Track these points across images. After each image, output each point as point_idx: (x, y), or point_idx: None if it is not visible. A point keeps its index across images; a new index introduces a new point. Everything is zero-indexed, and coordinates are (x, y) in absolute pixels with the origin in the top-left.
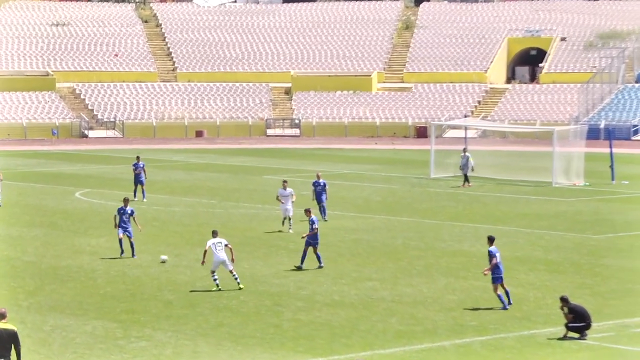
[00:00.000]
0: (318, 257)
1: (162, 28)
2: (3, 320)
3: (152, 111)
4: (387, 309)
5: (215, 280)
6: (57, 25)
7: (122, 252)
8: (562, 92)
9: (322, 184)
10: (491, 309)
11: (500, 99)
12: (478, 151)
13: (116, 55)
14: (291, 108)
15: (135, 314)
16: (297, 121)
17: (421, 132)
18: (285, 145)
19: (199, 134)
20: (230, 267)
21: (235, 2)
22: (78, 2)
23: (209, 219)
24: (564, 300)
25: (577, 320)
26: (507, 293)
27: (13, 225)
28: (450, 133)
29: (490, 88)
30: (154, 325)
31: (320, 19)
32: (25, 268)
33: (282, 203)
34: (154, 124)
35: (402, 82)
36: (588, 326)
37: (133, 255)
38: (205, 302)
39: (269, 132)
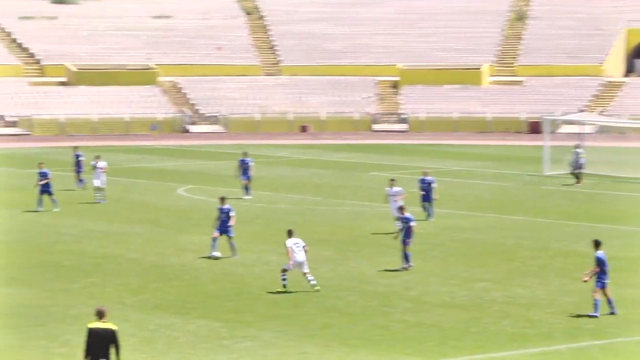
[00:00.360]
0: (407, 257)
1: (265, 20)
2: (103, 319)
3: (255, 105)
4: (500, 311)
5: (284, 280)
6: (159, 17)
7: (213, 252)
8: None
9: (429, 181)
10: (612, 313)
11: (617, 93)
12: (595, 148)
13: (219, 48)
14: (398, 102)
15: (240, 314)
16: (404, 116)
17: (534, 128)
18: (392, 141)
19: (303, 128)
20: (306, 269)
21: None
22: None
23: (314, 217)
24: None
25: None
26: (609, 301)
27: (116, 221)
28: (565, 128)
29: (607, 82)
30: (259, 325)
31: (429, 10)
32: (128, 266)
33: (394, 202)
34: (258, 118)
35: (514, 75)
36: None
37: (233, 254)
38: (312, 302)
39: (375, 127)
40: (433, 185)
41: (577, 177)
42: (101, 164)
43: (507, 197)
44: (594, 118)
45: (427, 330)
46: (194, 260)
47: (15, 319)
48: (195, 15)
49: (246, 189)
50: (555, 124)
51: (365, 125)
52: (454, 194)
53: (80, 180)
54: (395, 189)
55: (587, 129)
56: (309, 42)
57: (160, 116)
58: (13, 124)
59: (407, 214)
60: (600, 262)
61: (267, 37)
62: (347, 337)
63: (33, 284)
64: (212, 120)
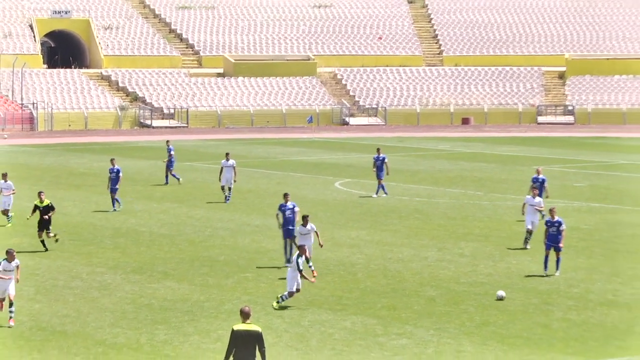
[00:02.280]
0: (557, 262)
1: (428, 9)
2: (247, 321)
3: (415, 97)
4: None
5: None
6: (319, 7)
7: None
8: None
9: (540, 179)
10: None
11: None
12: None
13: (380, 38)
14: (565, 94)
15: (396, 310)
16: (570, 108)
17: None
18: (558, 134)
19: (465, 121)
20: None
21: None
22: None
23: (475, 212)
24: None
25: None
26: None
27: (272, 216)
28: None
29: None
30: (415, 322)
31: None
32: (283, 261)
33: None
34: (418, 110)
35: None
36: None
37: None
38: (470, 299)
39: (540, 119)
40: (545, 184)
41: None
42: (231, 161)
43: None
44: None
45: (590, 329)
46: (350, 255)
47: (169, 313)
48: (356, 4)
49: (381, 187)
50: None
51: (529, 117)
52: (622, 188)
53: (171, 176)
54: (536, 198)
55: None
56: (472, 31)
57: (318, 108)
58: (170, 116)
59: (557, 218)
60: None
61: (430, 27)
62: (505, 336)
63: (187, 278)
64: (371, 112)
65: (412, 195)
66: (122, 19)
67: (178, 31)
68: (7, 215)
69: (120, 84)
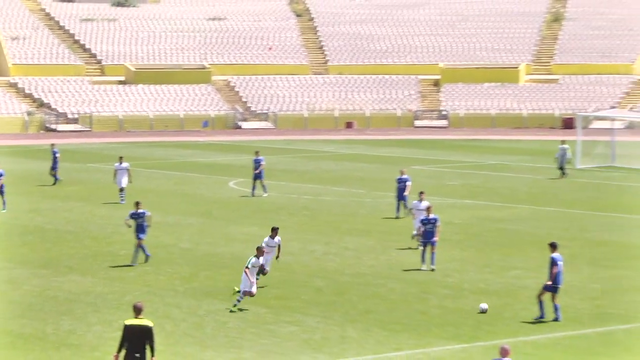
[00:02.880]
0: (433, 256)
1: (314, 22)
2: (139, 316)
3: (303, 103)
4: (531, 297)
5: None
6: (213, 19)
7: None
8: None
9: (404, 179)
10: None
11: None
12: (624, 142)
13: (270, 48)
14: (439, 100)
15: (286, 300)
16: (445, 112)
17: (567, 123)
18: (434, 137)
19: (348, 125)
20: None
21: None
22: None
23: (358, 209)
24: None
25: None
26: (556, 308)
27: (170, 213)
28: (597, 124)
29: (638, 79)
30: (304, 311)
31: (469, 11)
32: (181, 255)
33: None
34: (305, 115)
35: (550, 73)
36: None
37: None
38: (354, 289)
39: (417, 123)
40: (408, 183)
41: (563, 171)
42: (125, 164)
43: (541, 189)
44: (625, 114)
45: (463, 316)
46: (243, 249)
47: (73, 305)
48: (247, 17)
49: (263, 187)
50: (587, 119)
51: (407, 121)
52: (491, 186)
53: (55, 177)
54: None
55: (618, 125)
56: (355, 42)
57: (213, 113)
58: (74, 121)
59: (432, 215)
60: (553, 264)
61: (316, 38)
62: (387, 322)
63: (90, 272)
64: (262, 117)
65: (300, 194)
66: (29, 30)
67: (82, 42)
68: None
69: (27, 91)
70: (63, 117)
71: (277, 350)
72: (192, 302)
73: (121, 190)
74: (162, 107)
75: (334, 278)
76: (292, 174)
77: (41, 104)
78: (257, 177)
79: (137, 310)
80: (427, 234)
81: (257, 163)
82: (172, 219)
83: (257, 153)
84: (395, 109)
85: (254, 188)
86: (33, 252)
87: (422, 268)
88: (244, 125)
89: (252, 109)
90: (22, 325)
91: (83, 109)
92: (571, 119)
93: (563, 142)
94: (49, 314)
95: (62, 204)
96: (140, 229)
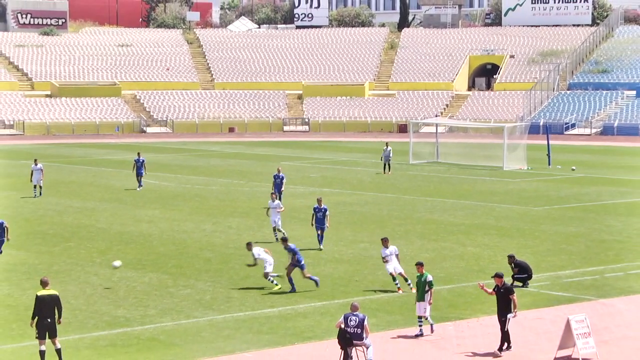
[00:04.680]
0: (321, 238)
1: (203, 48)
2: (47, 287)
3: (195, 112)
4: (375, 265)
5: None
6: (122, 46)
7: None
8: (511, 97)
9: (281, 176)
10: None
11: (463, 102)
12: (446, 143)
13: (168, 69)
14: (302, 110)
15: (182, 268)
16: (307, 120)
17: (402, 128)
18: (298, 139)
19: (231, 129)
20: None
21: (259, 28)
22: (138, 28)
23: (239, 195)
24: (511, 257)
25: (521, 273)
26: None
27: (89, 200)
28: (425, 129)
29: (456, 94)
30: (196, 277)
31: (325, 40)
32: (97, 233)
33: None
34: (197, 122)
35: (388, 89)
36: (530, 277)
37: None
38: (236, 259)
39: (285, 128)
40: (284, 180)
41: (389, 167)
42: (39, 165)
43: (382, 180)
44: (446, 121)
45: (323, 280)
46: (148, 228)
47: (10, 274)
48: (149, 44)
49: (139, 182)
50: (417, 125)
51: (277, 127)
52: (342, 178)
53: None
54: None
55: (441, 129)
56: (235, 64)
57: (123, 120)
58: (10, 126)
59: (323, 205)
60: (293, 252)
61: (205, 61)
62: (262, 285)
63: (24, 247)
64: (162, 123)
65: (192, 184)
66: None
67: (15, 63)
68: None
69: None
70: (1, 123)
71: (176, 309)
72: (107, 271)
73: (35, 187)
74: (81, 115)
75: (220, 251)
76: (186, 168)
77: None
78: (139, 173)
79: (44, 283)
80: (318, 220)
81: (138, 162)
82: (90, 204)
83: (138, 154)
84: (267, 117)
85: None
86: None
87: (320, 248)
88: (148, 129)
89: (154, 117)
90: None
91: (17, 117)
92: (405, 125)
93: (387, 144)
94: None
95: (2, 193)
96: None
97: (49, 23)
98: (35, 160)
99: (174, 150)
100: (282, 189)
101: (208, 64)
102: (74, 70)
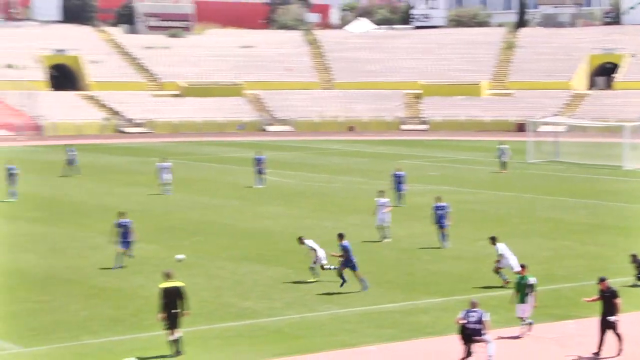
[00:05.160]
0: (445, 236)
1: (322, 49)
2: (170, 279)
3: (315, 111)
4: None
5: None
6: (245, 47)
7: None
8: (631, 96)
9: (401, 175)
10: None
11: (582, 101)
12: (565, 142)
13: (289, 69)
14: (420, 109)
15: (304, 263)
16: (425, 119)
17: (520, 127)
18: (416, 137)
19: (350, 128)
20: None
21: (378, 28)
22: (261, 30)
23: (360, 193)
24: (634, 256)
25: None
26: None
27: (215, 196)
28: (543, 128)
29: (575, 93)
30: (330, 273)
31: (443, 40)
32: (223, 228)
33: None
34: (317, 120)
35: (506, 88)
36: None
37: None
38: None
39: (403, 127)
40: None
41: (504, 167)
42: (167, 164)
43: (500, 178)
44: (565, 120)
45: (442, 276)
46: (271, 225)
47: (144, 266)
48: (271, 46)
49: (260, 179)
50: (536, 124)
51: (395, 126)
52: (462, 176)
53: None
54: (383, 200)
55: (560, 128)
56: (354, 64)
57: (245, 119)
58: (140, 125)
59: (443, 203)
60: (345, 250)
61: (324, 61)
62: (381, 282)
63: (155, 241)
64: (284, 122)
65: (314, 182)
66: (104, 55)
67: (144, 65)
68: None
69: (103, 102)
70: (131, 122)
71: (300, 302)
72: (232, 265)
73: (164, 185)
74: (206, 114)
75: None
76: (307, 166)
77: (114, 112)
78: (260, 171)
79: (168, 275)
80: (438, 218)
81: (259, 160)
82: (216, 201)
83: (258, 152)
84: (385, 116)
85: (259, 180)
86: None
87: (443, 246)
88: (270, 128)
89: (276, 115)
90: (104, 282)
91: (146, 116)
92: (523, 124)
93: (501, 142)
94: (124, 273)
95: (133, 189)
96: (125, 237)
97: (175, 25)
98: (164, 158)
99: (295, 148)
100: (404, 187)
101: (328, 63)
102: (199, 71)
